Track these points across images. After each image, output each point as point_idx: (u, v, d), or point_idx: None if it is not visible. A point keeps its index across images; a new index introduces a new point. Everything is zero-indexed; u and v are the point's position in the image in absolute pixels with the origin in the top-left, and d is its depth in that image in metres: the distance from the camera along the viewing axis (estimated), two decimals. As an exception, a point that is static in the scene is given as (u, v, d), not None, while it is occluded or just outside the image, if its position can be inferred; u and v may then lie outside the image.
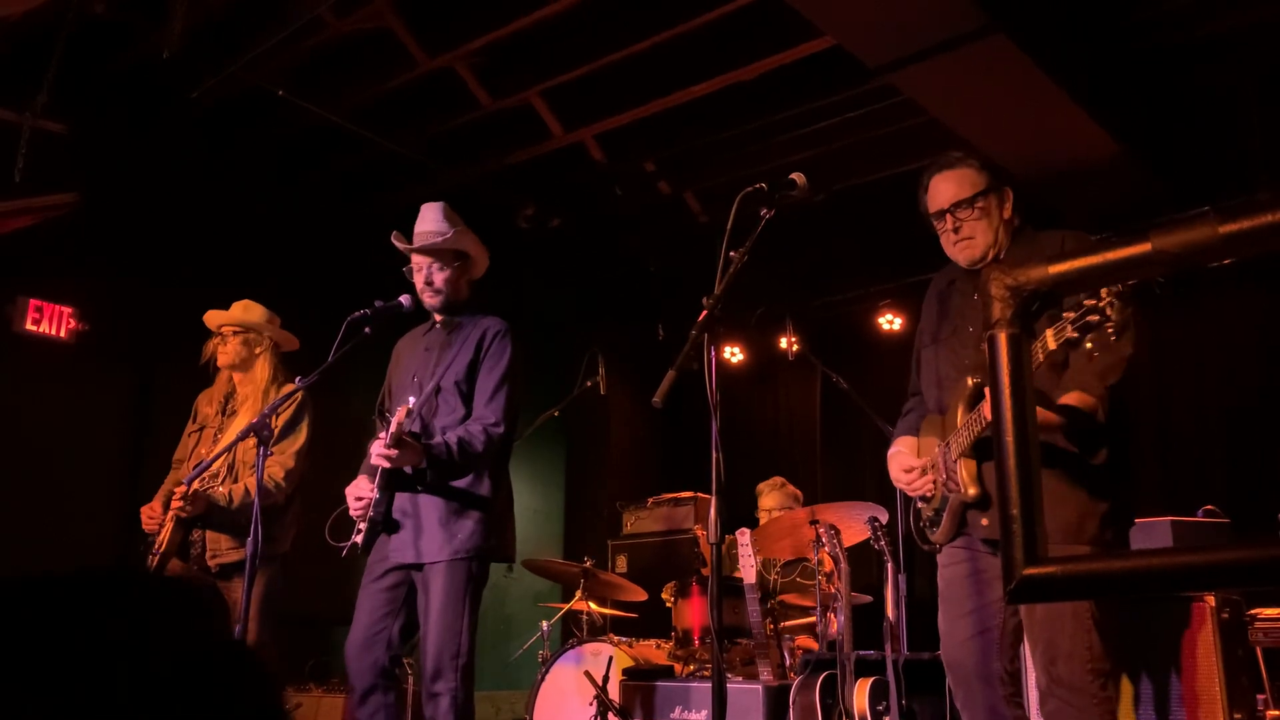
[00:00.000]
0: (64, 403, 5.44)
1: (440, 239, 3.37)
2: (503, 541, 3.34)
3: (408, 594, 3.26)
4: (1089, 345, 2.06)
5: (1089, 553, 2.48)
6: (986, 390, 2.51)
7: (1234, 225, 0.84)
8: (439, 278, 3.40)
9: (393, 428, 3.03)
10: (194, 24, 4.92)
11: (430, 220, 3.44)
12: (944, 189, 2.78)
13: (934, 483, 2.75)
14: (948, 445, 2.69)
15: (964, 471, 2.61)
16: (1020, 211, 2.80)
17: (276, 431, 3.84)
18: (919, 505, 2.87)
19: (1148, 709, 3.35)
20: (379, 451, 3.09)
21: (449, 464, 3.16)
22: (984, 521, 2.62)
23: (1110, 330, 1.99)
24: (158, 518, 3.88)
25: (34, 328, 5.39)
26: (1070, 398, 2.50)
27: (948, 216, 2.76)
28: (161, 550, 3.83)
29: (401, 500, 3.25)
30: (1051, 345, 2.17)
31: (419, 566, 3.22)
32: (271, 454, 3.79)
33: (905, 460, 2.85)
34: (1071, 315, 2.07)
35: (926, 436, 2.85)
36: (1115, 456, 2.56)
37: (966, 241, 2.75)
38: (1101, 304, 2.00)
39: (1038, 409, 2.39)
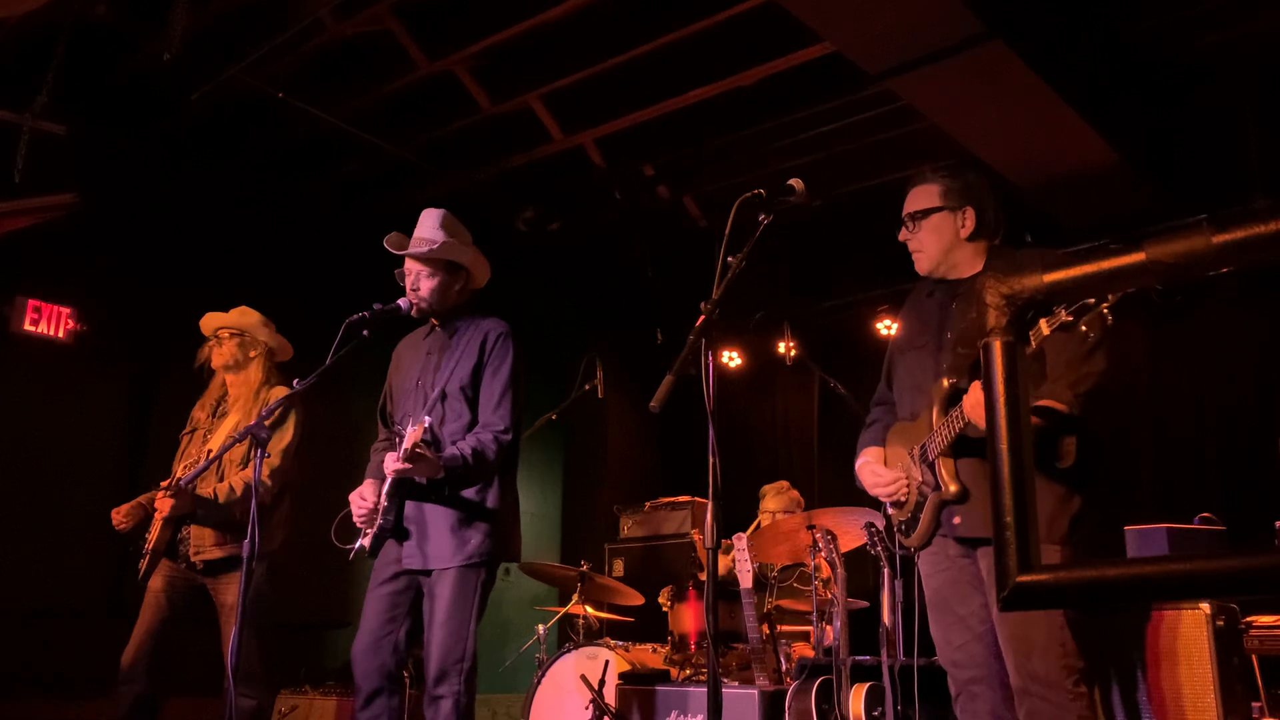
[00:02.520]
0: (62, 403, 5.45)
1: (427, 248, 3.36)
2: (509, 543, 3.36)
3: (414, 598, 3.27)
4: (1084, 328, 2.08)
5: (1060, 551, 2.57)
6: (973, 387, 2.57)
7: (1228, 235, 0.85)
8: (425, 285, 3.39)
9: (407, 444, 3.04)
10: (194, 26, 4.92)
11: (425, 227, 3.43)
12: (908, 200, 2.95)
13: (907, 486, 2.81)
14: (923, 448, 2.75)
15: (944, 470, 2.68)
16: (990, 231, 2.87)
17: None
18: (890, 511, 2.94)
19: (1147, 715, 3.35)
20: (393, 465, 3.10)
21: (464, 474, 3.19)
22: (956, 520, 2.68)
23: (1106, 310, 2.00)
24: (125, 521, 3.89)
25: (32, 328, 5.40)
26: (1043, 403, 2.57)
27: (902, 228, 2.93)
28: (150, 550, 3.83)
29: (410, 508, 3.26)
30: (1045, 331, 2.21)
31: (427, 572, 3.23)
32: (269, 455, 3.80)
33: (875, 469, 2.93)
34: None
35: (893, 446, 2.93)
36: (1083, 459, 2.62)
37: (917, 254, 2.92)
38: None
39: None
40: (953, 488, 2.65)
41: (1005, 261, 2.83)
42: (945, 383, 2.70)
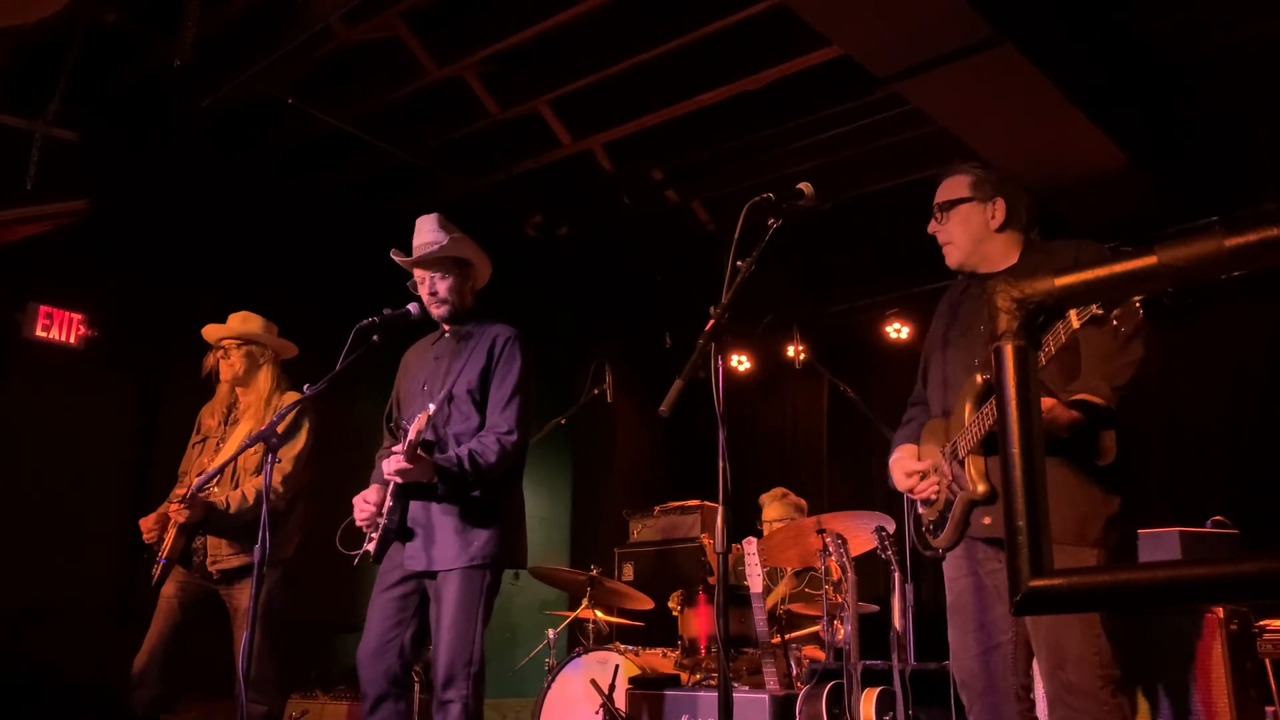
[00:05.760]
0: (73, 408, 5.47)
1: (437, 247, 3.38)
2: (515, 549, 3.36)
3: (420, 602, 3.27)
4: (1115, 322, 2.03)
5: (1095, 555, 2.47)
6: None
7: (1240, 239, 0.84)
8: (442, 287, 3.41)
9: (411, 435, 3.04)
10: (205, 33, 4.95)
11: (426, 232, 3.44)
12: (938, 192, 2.89)
13: (938, 486, 2.73)
14: (954, 446, 2.67)
15: (972, 468, 2.59)
16: (1022, 223, 2.81)
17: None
18: (920, 510, 2.85)
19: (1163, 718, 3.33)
20: (392, 468, 3.10)
21: (460, 478, 3.16)
22: (986, 520, 2.59)
23: (1137, 304, 1.95)
24: (154, 530, 3.89)
25: (44, 334, 5.42)
26: (1080, 396, 2.47)
27: (931, 220, 2.87)
28: (164, 558, 3.84)
29: (415, 509, 3.26)
30: (1075, 324, 2.15)
31: (432, 574, 3.23)
32: (280, 460, 3.81)
33: (908, 464, 2.83)
34: None
35: (927, 443, 2.84)
36: (1121, 459, 2.54)
37: (946, 246, 2.86)
38: None
39: (1053, 401, 2.37)
40: (981, 488, 2.55)
41: (1039, 255, 2.75)
42: (979, 378, 2.61)
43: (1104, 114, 5.09)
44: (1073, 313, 2.14)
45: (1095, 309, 2.03)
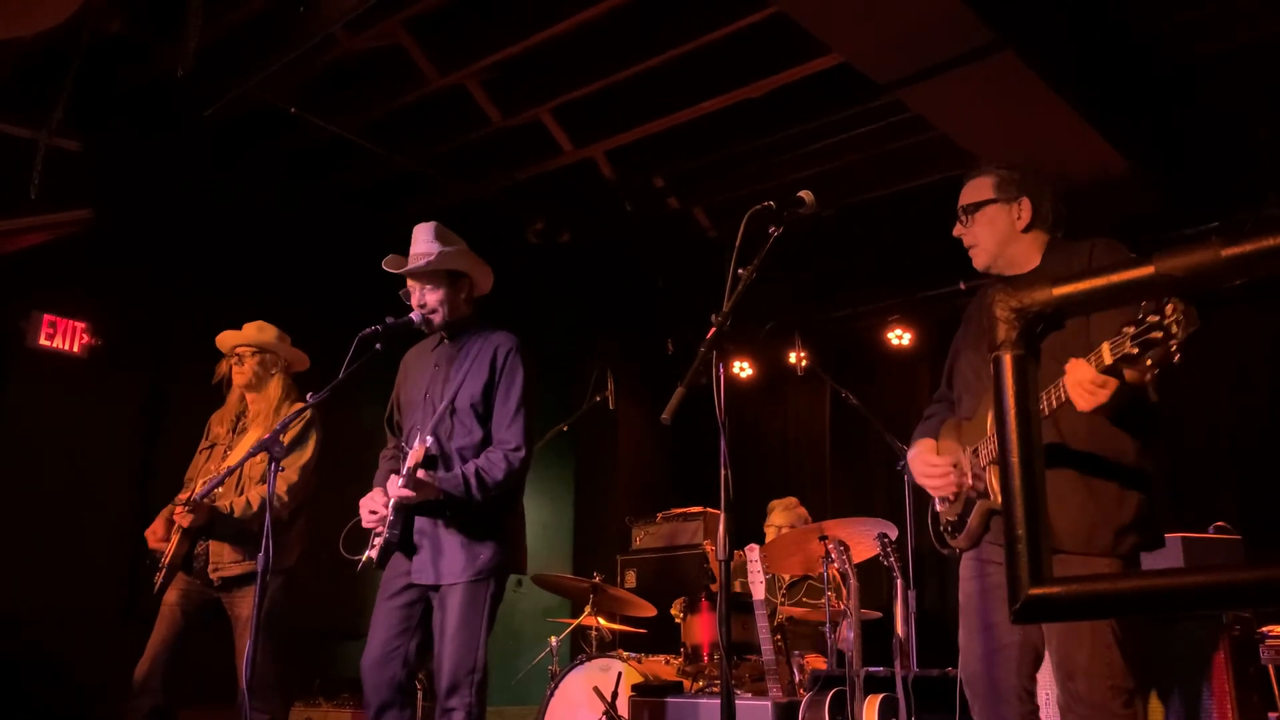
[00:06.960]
0: (77, 417, 5.48)
1: (425, 260, 3.37)
2: (517, 555, 3.36)
3: (424, 611, 3.27)
4: (1149, 363, 1.99)
5: (1106, 564, 2.43)
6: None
7: (1237, 248, 0.85)
8: (431, 299, 3.40)
9: (410, 462, 3.04)
10: (208, 41, 4.96)
11: (421, 242, 3.44)
12: (962, 194, 2.84)
13: (958, 485, 2.70)
14: (976, 450, 2.65)
15: (993, 478, 2.57)
16: (1048, 223, 2.77)
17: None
18: (939, 508, 2.83)
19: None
20: (396, 494, 3.11)
21: (466, 497, 3.17)
22: None
23: (1174, 347, 1.92)
24: (162, 536, 3.89)
25: (48, 343, 5.43)
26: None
27: (957, 223, 2.83)
28: (167, 563, 3.84)
29: (420, 521, 3.26)
30: (1108, 360, 2.11)
31: (437, 586, 3.23)
32: (284, 469, 3.81)
33: (928, 459, 2.79)
34: (1132, 330, 2.01)
35: (946, 440, 2.82)
36: (1139, 463, 2.49)
37: (972, 249, 2.80)
38: (1166, 320, 1.92)
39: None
40: (1001, 499, 2.54)
41: (1062, 255, 2.72)
42: None
43: (1105, 116, 5.10)
44: (1105, 347, 2.10)
45: (1130, 347, 1.98)
